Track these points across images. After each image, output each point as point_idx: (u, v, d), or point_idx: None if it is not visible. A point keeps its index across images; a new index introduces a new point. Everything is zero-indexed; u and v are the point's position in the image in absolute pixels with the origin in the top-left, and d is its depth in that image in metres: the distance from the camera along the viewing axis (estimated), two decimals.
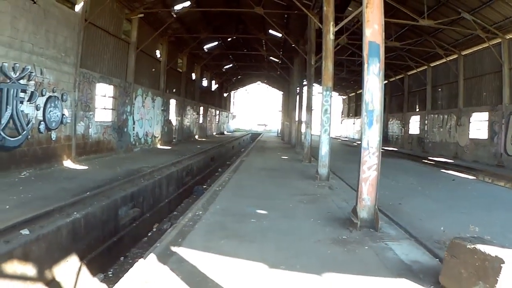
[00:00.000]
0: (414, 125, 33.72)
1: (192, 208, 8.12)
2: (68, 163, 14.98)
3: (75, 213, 7.98)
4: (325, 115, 12.46)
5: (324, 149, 12.67)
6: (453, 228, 6.53)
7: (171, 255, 5.28)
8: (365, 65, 6.92)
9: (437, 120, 28.98)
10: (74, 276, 7.44)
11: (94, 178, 11.95)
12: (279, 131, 54.97)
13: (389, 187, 10.85)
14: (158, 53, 26.89)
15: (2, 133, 11.51)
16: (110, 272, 8.60)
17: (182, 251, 5.44)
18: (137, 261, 5.25)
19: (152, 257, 5.15)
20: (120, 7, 19.53)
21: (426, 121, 30.86)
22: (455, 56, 25.01)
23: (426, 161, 23.63)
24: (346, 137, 54.35)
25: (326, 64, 12.45)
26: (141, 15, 21.05)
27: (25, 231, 6.44)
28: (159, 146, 26.44)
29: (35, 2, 12.61)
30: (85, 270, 7.79)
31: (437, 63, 28.29)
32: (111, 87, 19.47)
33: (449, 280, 4.39)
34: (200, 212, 7.69)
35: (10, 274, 5.71)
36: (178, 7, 23.23)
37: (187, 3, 23.13)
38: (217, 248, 5.59)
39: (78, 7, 15.56)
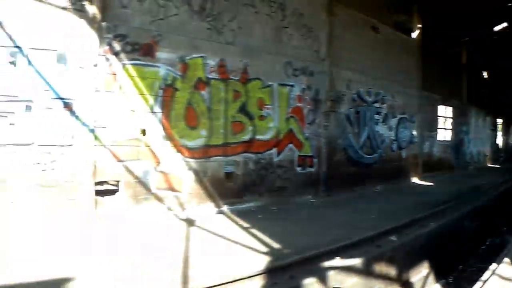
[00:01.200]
0: None
1: None
2: (414, 179, 14.53)
3: (431, 224, 7.93)
4: None
5: None
6: None
7: None
8: None
9: None
10: (422, 280, 7.19)
11: (442, 192, 11.59)
12: None
13: None
14: (484, 74, 23.75)
15: (360, 151, 11.72)
16: (451, 279, 8.15)
17: None
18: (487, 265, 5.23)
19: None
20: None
21: None
22: None
23: None
24: None
25: None
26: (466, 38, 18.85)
27: (393, 238, 6.64)
28: (488, 164, 24.07)
29: (378, 33, 12.35)
30: (431, 275, 7.48)
31: None
32: (450, 108, 18.53)
33: None
34: None
35: (377, 273, 5.94)
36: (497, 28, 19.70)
37: (504, 24, 19.31)
38: None
39: (414, 34, 15.05)
